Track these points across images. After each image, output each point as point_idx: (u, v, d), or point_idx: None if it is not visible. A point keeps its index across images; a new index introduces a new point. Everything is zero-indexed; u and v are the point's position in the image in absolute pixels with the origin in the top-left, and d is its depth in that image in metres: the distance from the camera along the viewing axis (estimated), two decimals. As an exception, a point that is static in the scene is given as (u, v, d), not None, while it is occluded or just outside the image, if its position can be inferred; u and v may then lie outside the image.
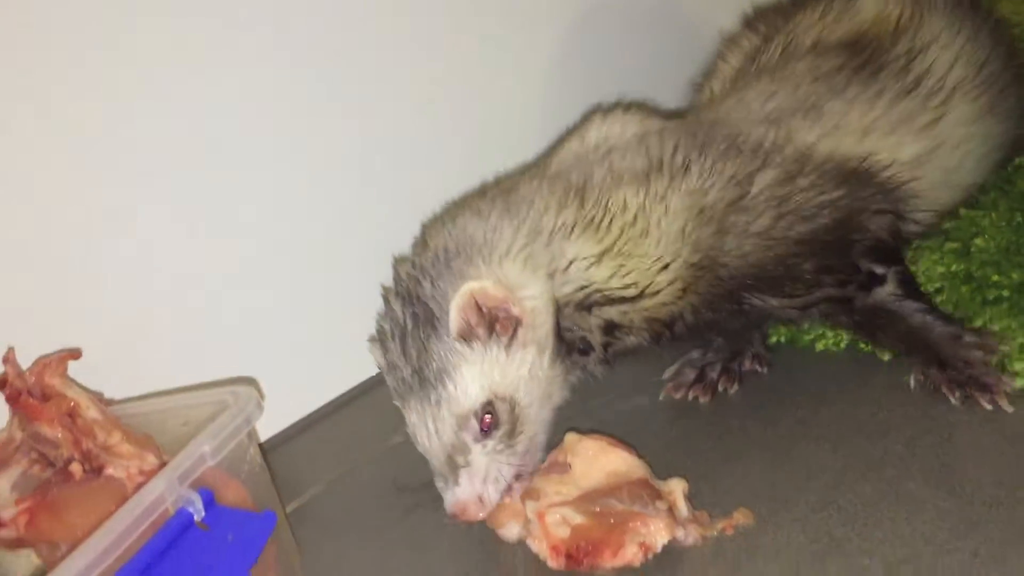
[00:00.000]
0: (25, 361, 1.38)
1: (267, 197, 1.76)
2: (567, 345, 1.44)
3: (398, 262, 1.50)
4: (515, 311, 1.36)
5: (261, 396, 1.37)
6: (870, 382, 1.52)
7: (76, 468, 1.29)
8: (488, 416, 1.36)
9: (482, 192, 1.57)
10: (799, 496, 1.32)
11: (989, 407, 1.38)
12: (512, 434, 1.38)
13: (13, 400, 1.33)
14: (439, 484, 1.40)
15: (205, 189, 1.67)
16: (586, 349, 1.47)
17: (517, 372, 1.38)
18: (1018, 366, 1.40)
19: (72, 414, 1.32)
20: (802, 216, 1.45)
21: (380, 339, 1.46)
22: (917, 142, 1.58)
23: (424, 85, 1.93)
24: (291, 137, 1.77)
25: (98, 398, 1.38)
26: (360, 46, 1.83)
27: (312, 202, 1.82)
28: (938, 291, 1.59)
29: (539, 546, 1.32)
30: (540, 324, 1.39)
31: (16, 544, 1.31)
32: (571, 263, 1.42)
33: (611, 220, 1.43)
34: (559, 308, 1.42)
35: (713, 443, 1.50)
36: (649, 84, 2.12)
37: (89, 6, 1.47)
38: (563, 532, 1.30)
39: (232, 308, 1.74)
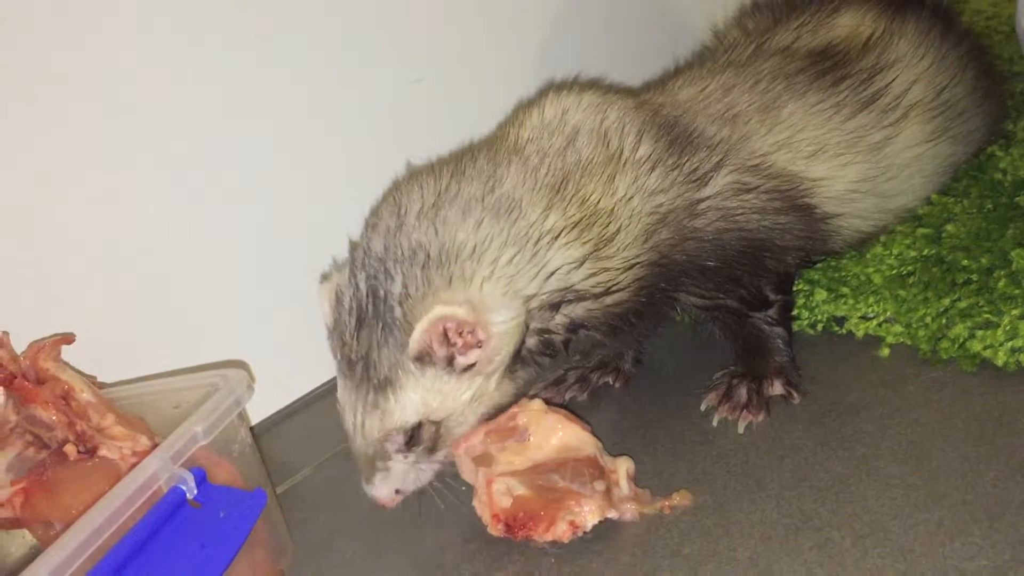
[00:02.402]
0: (19, 346, 1.42)
1: (259, 182, 1.78)
2: (523, 360, 1.42)
3: (371, 228, 1.42)
4: (481, 335, 1.33)
5: (251, 379, 1.39)
6: (841, 364, 1.57)
7: (70, 449, 1.31)
8: (412, 435, 1.37)
9: (459, 170, 1.44)
10: (772, 474, 1.37)
11: (741, 425, 1.49)
12: (432, 450, 1.40)
13: (8, 383, 1.35)
14: (358, 467, 1.42)
15: (196, 174, 1.70)
16: (548, 353, 1.45)
17: (459, 398, 1.37)
18: (978, 345, 1.45)
19: (66, 397, 1.35)
20: (742, 232, 1.50)
21: (337, 298, 1.41)
22: (864, 162, 1.62)
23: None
24: (286, 118, 1.79)
25: (91, 381, 1.41)
26: (355, 31, 1.87)
27: (304, 187, 1.84)
28: (910, 274, 1.63)
29: (482, 512, 1.39)
30: (502, 348, 1.36)
31: (12, 524, 1.34)
32: (553, 273, 1.38)
33: (590, 222, 1.41)
34: (528, 322, 1.39)
35: (690, 424, 1.53)
36: (629, 71, 2.16)
37: None
38: (506, 502, 1.37)
39: (223, 294, 1.77)
